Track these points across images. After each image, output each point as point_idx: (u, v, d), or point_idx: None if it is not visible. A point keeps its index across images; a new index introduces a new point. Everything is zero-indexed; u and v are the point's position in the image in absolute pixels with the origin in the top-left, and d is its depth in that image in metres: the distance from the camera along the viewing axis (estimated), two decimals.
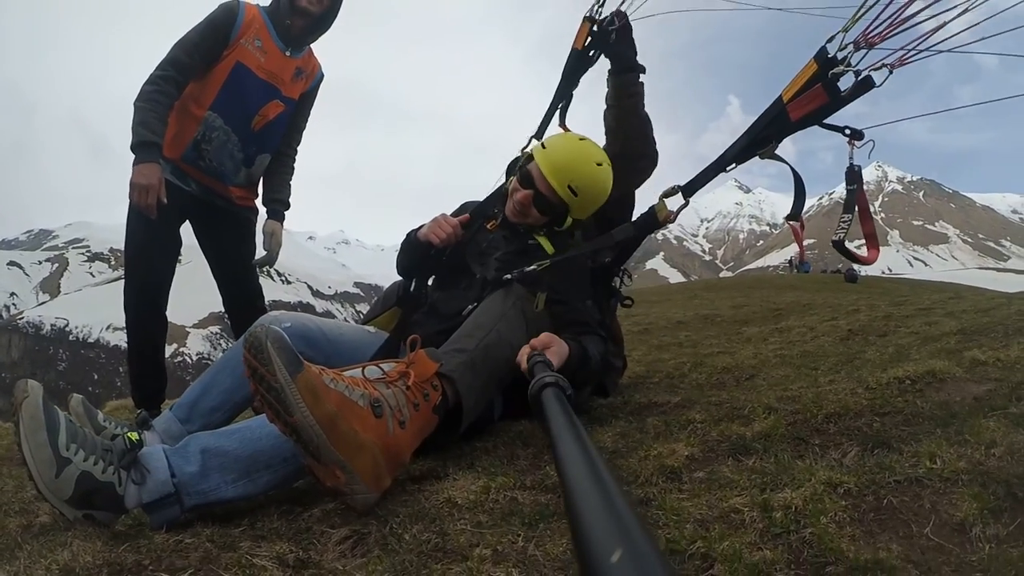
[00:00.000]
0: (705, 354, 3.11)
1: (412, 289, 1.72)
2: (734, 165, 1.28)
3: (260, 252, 2.29)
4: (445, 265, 1.69)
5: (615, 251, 1.78)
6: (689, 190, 1.36)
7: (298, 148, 2.32)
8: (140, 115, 1.84)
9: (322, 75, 2.23)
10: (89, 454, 0.92)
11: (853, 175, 1.13)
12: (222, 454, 1.01)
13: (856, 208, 1.12)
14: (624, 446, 1.21)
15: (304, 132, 2.31)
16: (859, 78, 1.02)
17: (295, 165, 2.33)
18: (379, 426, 0.96)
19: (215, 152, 2.00)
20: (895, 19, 0.99)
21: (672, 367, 2.72)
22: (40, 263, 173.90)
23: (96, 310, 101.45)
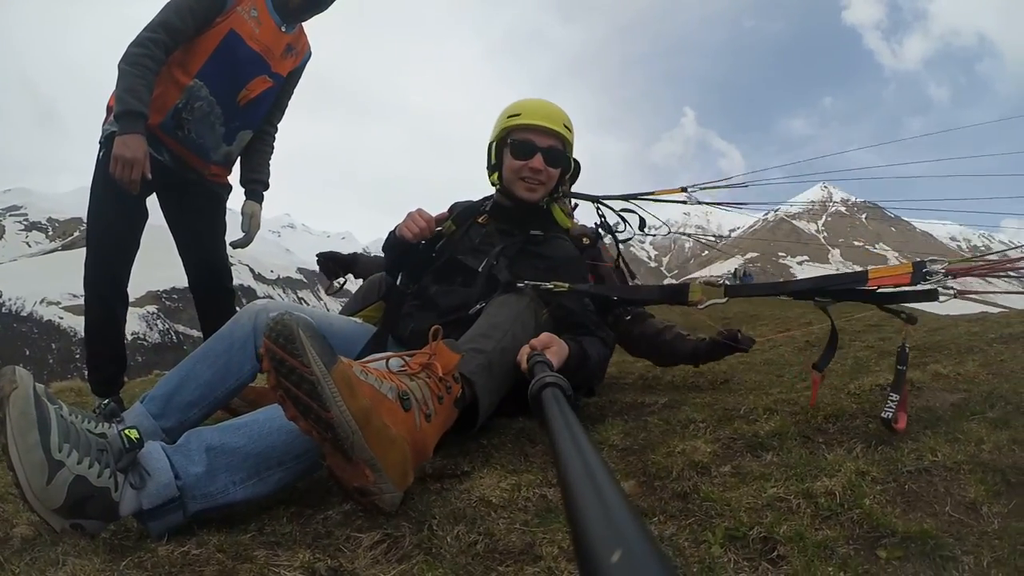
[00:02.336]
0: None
1: (399, 283, 1.68)
2: (788, 297, 1.32)
3: (234, 233, 2.16)
4: (438, 262, 1.66)
5: (619, 303, 1.80)
6: (733, 292, 1.36)
7: (279, 126, 2.21)
8: (126, 80, 1.68)
9: (310, 54, 2.13)
10: (83, 456, 0.80)
11: (904, 356, 1.17)
12: (229, 452, 0.92)
13: (902, 388, 1.15)
14: (636, 443, 1.22)
15: (286, 111, 2.20)
16: (930, 286, 1.13)
17: (275, 144, 2.21)
18: (408, 420, 0.91)
19: (196, 123, 1.86)
20: (979, 272, 1.16)
21: (643, 368, 2.79)
22: None
23: (30, 282, 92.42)
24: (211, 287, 2.09)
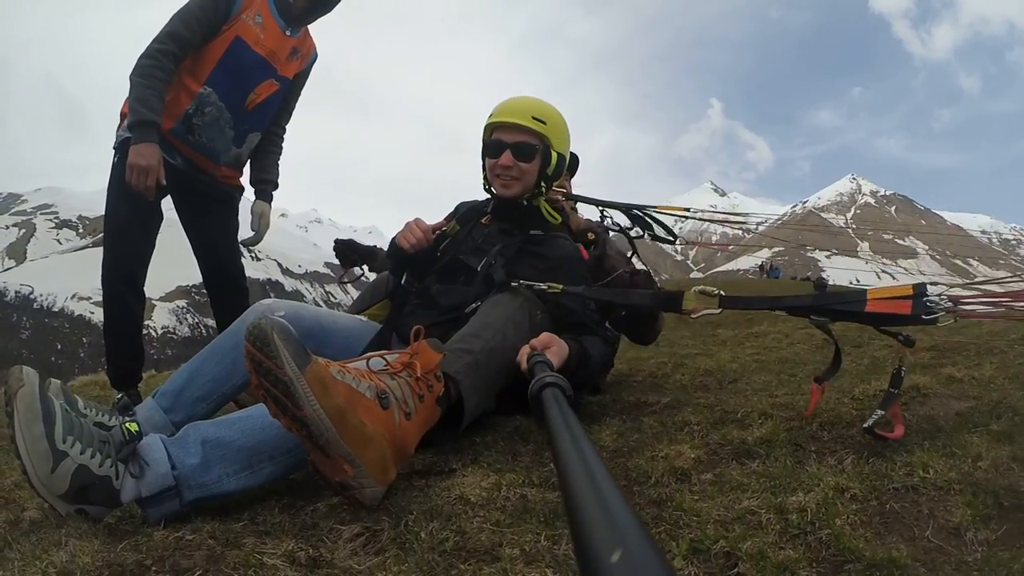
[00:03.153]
0: (684, 355, 3.17)
1: (403, 282, 1.71)
2: (785, 313, 1.30)
3: (246, 232, 2.23)
4: (442, 261, 1.68)
5: (616, 308, 1.77)
6: (728, 304, 1.34)
7: (287, 127, 2.26)
8: (138, 91, 1.77)
9: (316, 56, 2.18)
10: (86, 447, 0.87)
11: (897, 380, 1.16)
12: (224, 445, 0.98)
13: (890, 406, 1.14)
14: (626, 445, 1.23)
15: (293, 113, 2.26)
16: (931, 316, 1.11)
17: (283, 145, 2.27)
18: (386, 418, 0.95)
19: (206, 128, 1.94)
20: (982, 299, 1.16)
21: (654, 366, 2.77)
22: (7, 228, 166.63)
23: (62, 278, 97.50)
24: (225, 286, 2.16)
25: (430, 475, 1.11)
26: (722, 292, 1.31)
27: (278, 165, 2.25)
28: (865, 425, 1.07)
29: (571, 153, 1.96)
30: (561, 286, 1.44)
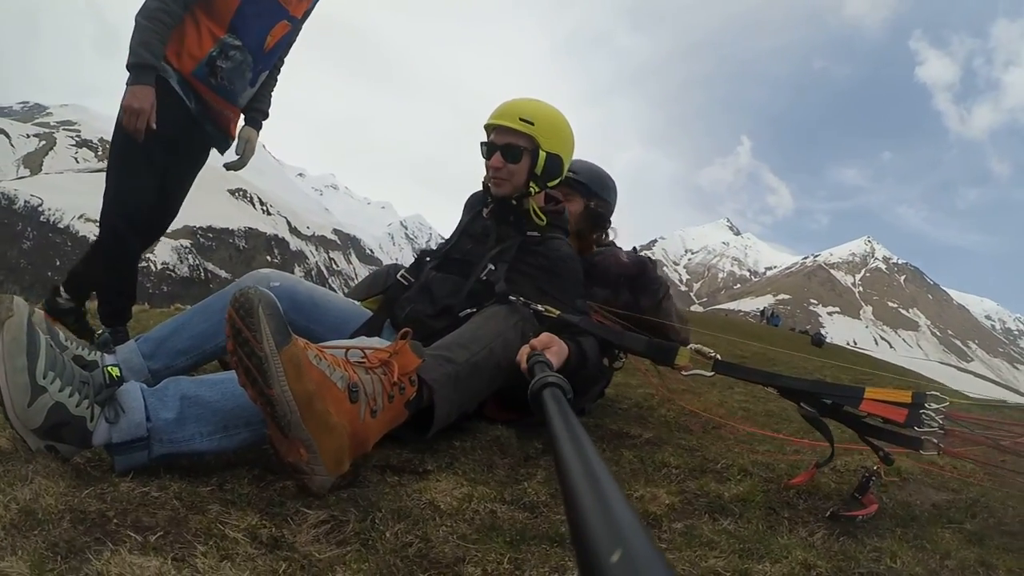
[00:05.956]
0: (672, 389, 3.16)
1: (400, 276, 1.74)
2: (775, 391, 1.30)
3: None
4: (443, 249, 1.73)
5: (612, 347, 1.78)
6: (721, 370, 1.34)
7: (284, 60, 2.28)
8: (142, 35, 1.77)
9: None
10: (65, 385, 0.87)
11: (864, 487, 1.15)
12: (202, 404, 0.97)
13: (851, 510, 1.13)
14: None
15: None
16: (917, 438, 1.11)
17: (279, 77, 2.30)
18: (352, 411, 0.94)
19: (229, 71, 1.94)
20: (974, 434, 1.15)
21: (640, 396, 2.76)
22: (28, 136, 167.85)
23: (72, 197, 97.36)
24: (155, 226, 2.13)
25: (404, 473, 1.10)
26: (718, 356, 1.30)
27: (271, 96, 2.26)
28: (832, 511, 1.08)
29: (607, 193, 1.96)
30: (558, 312, 1.45)
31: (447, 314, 1.52)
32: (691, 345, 1.37)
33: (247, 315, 0.84)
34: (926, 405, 1.09)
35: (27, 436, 0.86)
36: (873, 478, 1.15)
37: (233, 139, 2.19)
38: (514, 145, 1.61)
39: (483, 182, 1.73)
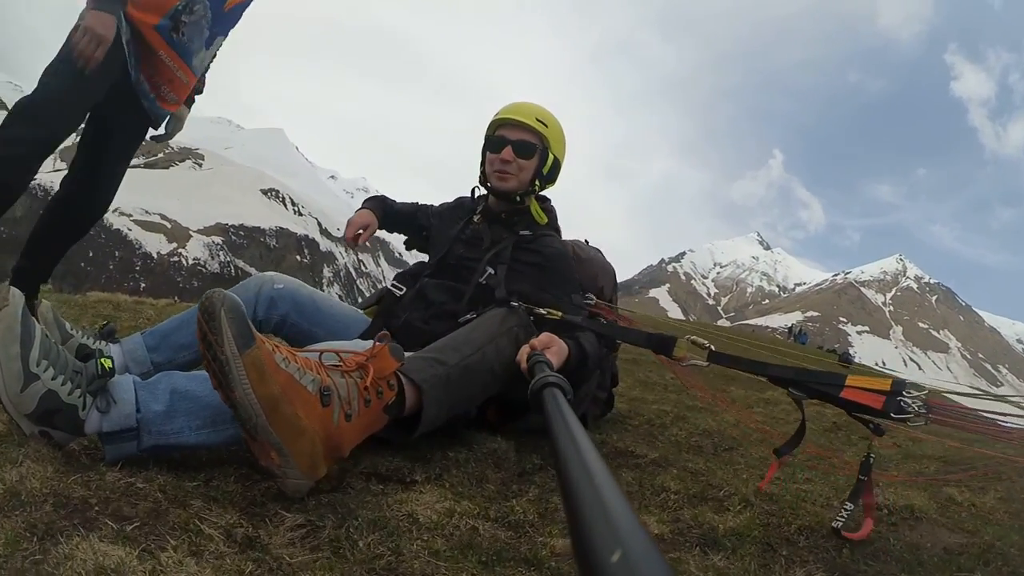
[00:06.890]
0: (688, 406, 3.08)
1: (394, 284, 1.75)
2: (766, 379, 1.30)
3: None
4: (436, 257, 1.74)
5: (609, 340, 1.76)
6: (715, 359, 1.35)
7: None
8: None
9: None
10: (58, 373, 0.90)
11: (867, 467, 1.16)
12: (191, 398, 0.99)
13: (860, 497, 1.15)
14: None
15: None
16: (901, 416, 1.11)
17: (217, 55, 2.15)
18: (324, 415, 0.93)
19: (190, 27, 1.85)
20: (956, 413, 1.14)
21: (654, 413, 2.70)
22: None
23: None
24: (91, 205, 1.98)
25: (390, 481, 1.09)
26: (712, 347, 1.34)
27: (206, 75, 2.14)
28: (834, 526, 1.06)
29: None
30: (560, 313, 1.47)
31: (447, 319, 1.52)
32: (687, 336, 1.40)
33: (210, 318, 0.85)
34: (904, 393, 1.09)
35: (21, 421, 0.89)
36: (872, 456, 1.17)
37: (178, 106, 2.03)
38: (528, 142, 1.65)
39: (483, 180, 1.74)
